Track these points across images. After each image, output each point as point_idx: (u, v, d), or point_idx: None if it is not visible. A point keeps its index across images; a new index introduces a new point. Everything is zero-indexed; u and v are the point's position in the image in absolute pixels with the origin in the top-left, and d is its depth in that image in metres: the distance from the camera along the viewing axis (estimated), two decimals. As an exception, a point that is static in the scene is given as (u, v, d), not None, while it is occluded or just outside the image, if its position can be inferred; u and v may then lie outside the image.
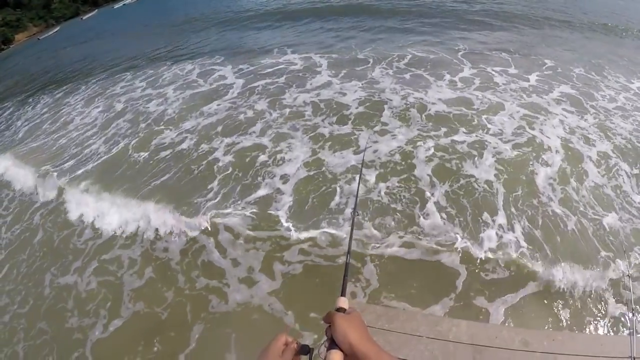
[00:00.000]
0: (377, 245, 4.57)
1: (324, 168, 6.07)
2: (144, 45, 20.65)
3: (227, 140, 7.46)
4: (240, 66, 12.37)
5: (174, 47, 18.28)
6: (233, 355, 3.88)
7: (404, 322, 2.97)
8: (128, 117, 10.08)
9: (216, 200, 5.72)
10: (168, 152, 7.58)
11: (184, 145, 7.67)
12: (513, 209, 4.84)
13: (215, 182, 6.23)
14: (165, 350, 4.10)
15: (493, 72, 9.22)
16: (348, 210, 5.09)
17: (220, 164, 6.72)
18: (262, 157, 6.64)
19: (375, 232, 4.66)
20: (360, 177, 2.01)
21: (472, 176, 5.46)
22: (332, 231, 4.73)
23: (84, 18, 62.25)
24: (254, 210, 5.34)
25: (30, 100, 16.35)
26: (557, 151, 5.92)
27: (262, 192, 5.76)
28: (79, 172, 7.57)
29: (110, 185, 6.81)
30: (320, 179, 5.84)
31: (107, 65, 18.00)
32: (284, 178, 5.98)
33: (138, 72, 15.18)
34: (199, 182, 6.35)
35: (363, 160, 3.41)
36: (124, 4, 63.43)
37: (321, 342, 1.01)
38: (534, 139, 6.25)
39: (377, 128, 6.99)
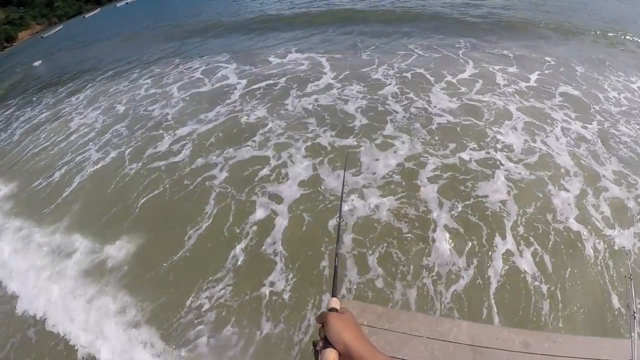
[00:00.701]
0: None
1: (321, 188, 5.77)
2: (149, 43, 20.77)
3: (224, 154, 7.19)
4: (244, 66, 12.39)
5: (180, 45, 18.35)
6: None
7: (404, 322, 2.97)
8: (127, 121, 10.03)
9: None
10: (162, 163, 7.40)
11: (179, 158, 7.43)
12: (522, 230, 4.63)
13: (209, 207, 5.82)
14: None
15: (494, 71, 9.25)
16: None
17: (215, 181, 6.42)
18: (262, 172, 6.39)
19: (379, 269, 4.37)
20: (343, 183, 2.04)
21: (486, 196, 5.17)
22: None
23: (87, 16, 62.59)
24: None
25: (35, 98, 16.35)
26: (574, 173, 5.53)
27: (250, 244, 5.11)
28: (60, 198, 7.21)
29: (87, 223, 6.24)
30: (317, 201, 5.52)
31: (113, 63, 18.08)
32: (279, 200, 5.66)
33: (144, 70, 15.25)
34: (191, 209, 5.91)
35: (345, 162, 3.38)
36: (126, 3, 63.67)
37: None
38: (544, 155, 5.95)
39: (378, 141, 6.71)
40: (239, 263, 4.78)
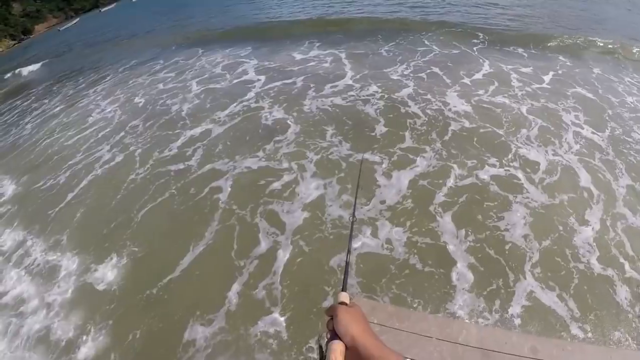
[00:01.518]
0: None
1: (328, 215, 5.34)
2: (168, 37, 20.79)
3: (234, 162, 6.97)
4: (265, 62, 12.37)
5: (201, 38, 18.36)
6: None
7: (414, 322, 3.00)
8: (143, 118, 9.98)
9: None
10: (171, 167, 7.24)
11: (188, 163, 7.28)
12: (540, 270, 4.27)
13: (212, 224, 5.58)
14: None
15: (509, 71, 9.25)
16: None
17: (222, 195, 6.17)
18: (270, 188, 6.10)
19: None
20: (358, 184, 2.11)
21: (506, 229, 4.79)
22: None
23: (103, 10, 63.42)
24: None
25: (55, 88, 16.50)
26: (596, 197, 5.18)
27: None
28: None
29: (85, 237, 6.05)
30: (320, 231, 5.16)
31: (133, 55, 18.22)
32: (282, 227, 5.31)
33: (168, 61, 15.36)
34: (194, 225, 5.68)
35: (362, 161, 3.38)
36: (142, -4, 64.18)
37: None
38: (563, 172, 5.66)
39: (394, 157, 6.32)
40: (235, 297, 4.47)
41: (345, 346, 0.95)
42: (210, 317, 4.27)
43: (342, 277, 1.34)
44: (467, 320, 3.58)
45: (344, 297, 1.15)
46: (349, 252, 1.53)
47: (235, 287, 4.56)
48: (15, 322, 4.84)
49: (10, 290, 5.43)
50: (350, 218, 1.88)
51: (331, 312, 1.03)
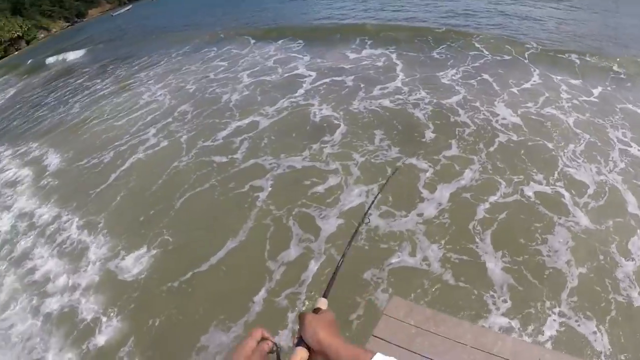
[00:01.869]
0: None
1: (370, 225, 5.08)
2: (220, 27, 21.09)
3: (278, 159, 6.94)
4: (317, 59, 12.30)
5: (253, 31, 18.41)
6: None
7: (451, 327, 3.03)
8: (191, 105, 10.20)
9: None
10: (214, 158, 7.29)
11: (232, 155, 7.29)
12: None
13: (247, 222, 5.53)
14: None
15: (559, 82, 8.89)
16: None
17: (261, 194, 6.10)
18: (310, 192, 5.97)
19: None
20: (383, 188, 2.14)
21: (547, 255, 4.54)
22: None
23: (155, -1, 65.32)
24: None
25: (109, 69, 17.25)
26: None
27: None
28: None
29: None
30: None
31: (186, 43, 18.56)
32: (317, 233, 5.16)
33: (220, 50, 15.62)
34: (230, 221, 5.66)
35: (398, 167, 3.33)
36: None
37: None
38: (611, 196, 5.31)
39: (438, 166, 6.16)
40: (260, 302, 4.41)
41: (312, 352, 0.95)
42: (231, 320, 4.24)
43: (328, 282, 1.30)
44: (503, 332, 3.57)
45: (322, 303, 1.14)
46: (344, 255, 1.49)
47: (261, 292, 4.49)
48: (40, 300, 5.04)
49: (40, 267, 5.63)
50: (358, 223, 1.84)
51: (300, 320, 1.03)
